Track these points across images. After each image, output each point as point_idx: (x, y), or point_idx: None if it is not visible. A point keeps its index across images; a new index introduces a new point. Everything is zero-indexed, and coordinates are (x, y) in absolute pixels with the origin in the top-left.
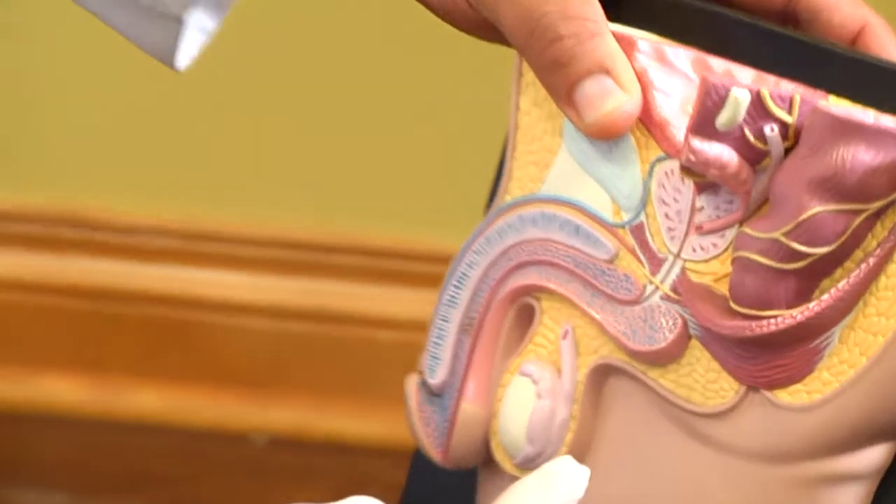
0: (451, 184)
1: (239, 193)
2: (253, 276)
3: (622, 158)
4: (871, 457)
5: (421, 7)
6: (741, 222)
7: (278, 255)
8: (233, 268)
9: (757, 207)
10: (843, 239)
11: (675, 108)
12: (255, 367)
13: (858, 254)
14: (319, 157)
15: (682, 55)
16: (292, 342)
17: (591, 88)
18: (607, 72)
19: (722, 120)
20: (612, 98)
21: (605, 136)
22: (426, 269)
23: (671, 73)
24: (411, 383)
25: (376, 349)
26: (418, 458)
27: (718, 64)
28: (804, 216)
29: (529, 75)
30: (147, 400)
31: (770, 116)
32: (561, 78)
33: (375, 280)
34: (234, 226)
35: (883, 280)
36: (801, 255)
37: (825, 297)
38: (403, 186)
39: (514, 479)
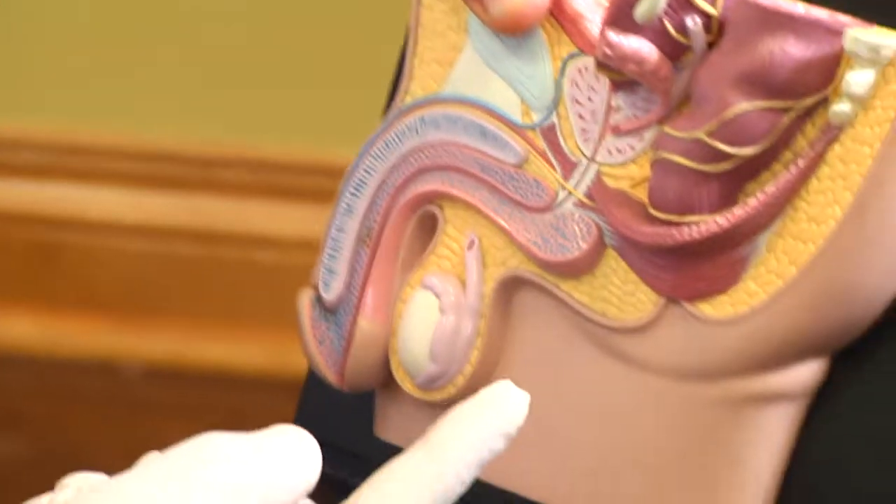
0: (345, 89)
1: (113, 103)
2: (126, 193)
3: (532, 55)
4: (801, 375)
5: None
6: (661, 122)
7: (153, 170)
8: (105, 183)
9: (678, 106)
10: (770, 139)
11: (590, 2)
12: (127, 291)
13: (788, 155)
14: (199, 63)
15: None
16: (169, 264)
17: None
18: None
19: (640, 11)
20: None
21: (513, 31)
22: (315, 183)
23: None
24: (304, 299)
25: (260, 271)
26: (311, 382)
27: None
28: (729, 114)
29: None
30: (11, 329)
31: (692, 8)
32: None
33: (259, 196)
34: (108, 138)
35: (814, 183)
36: (725, 156)
37: (751, 201)
38: (290, 92)
39: (415, 401)
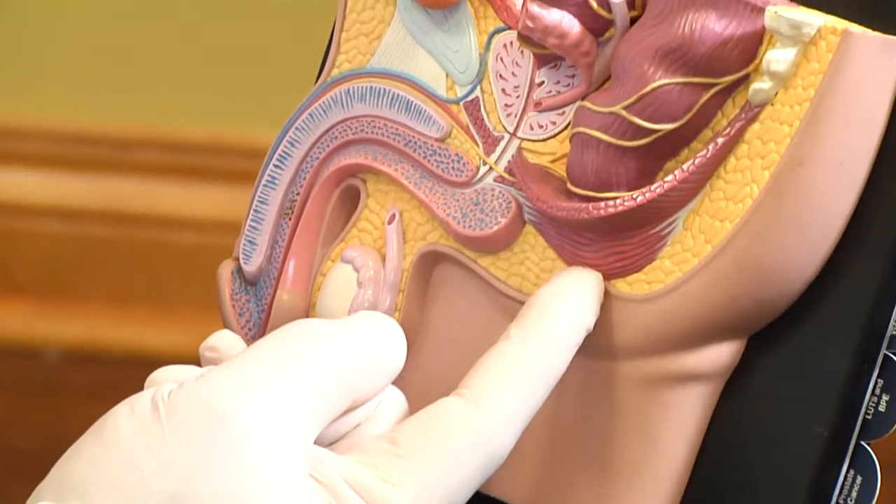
0: (267, 67)
1: (22, 83)
2: (42, 175)
3: (458, 29)
4: (717, 355)
5: None
6: (583, 98)
7: (65, 151)
8: (19, 165)
9: (601, 83)
10: (689, 115)
11: None
12: (45, 274)
13: (707, 133)
14: (113, 40)
15: None
16: (87, 247)
17: None
18: None
19: None
20: None
21: (439, 5)
22: (235, 165)
23: None
24: (225, 271)
25: (179, 253)
26: None
27: None
28: (648, 89)
29: None
30: None
31: None
32: None
33: (178, 177)
34: (17, 119)
35: (732, 161)
36: (643, 132)
37: (669, 178)
38: (209, 70)
39: None
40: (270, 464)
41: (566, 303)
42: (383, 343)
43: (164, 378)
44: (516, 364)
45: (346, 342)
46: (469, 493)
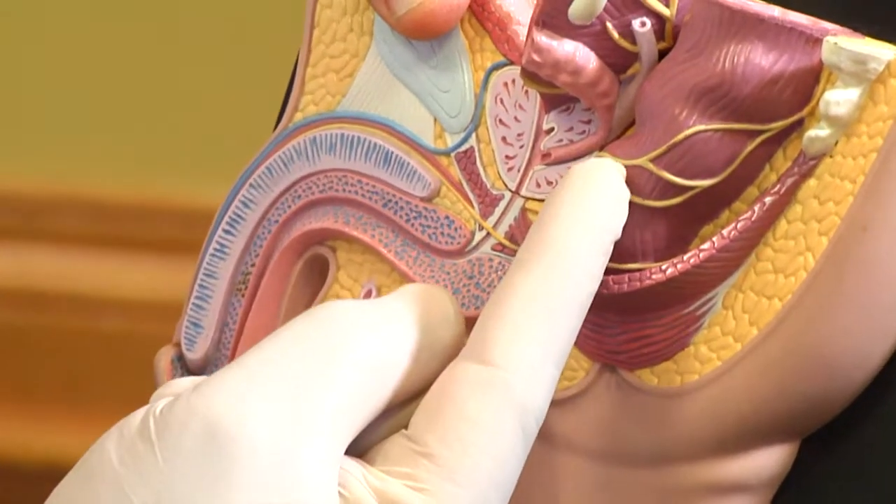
0: (212, 112)
1: None
2: None
3: (448, 64)
4: (763, 462)
5: None
6: (602, 148)
7: None
8: None
9: (622, 130)
10: (731, 169)
11: (521, 0)
12: None
13: (752, 191)
14: (21, 84)
15: None
16: None
17: None
18: None
19: (576, 9)
20: None
21: (424, 35)
22: (170, 233)
23: None
24: (163, 360)
25: (102, 341)
26: None
27: None
28: (680, 137)
29: None
30: None
31: (640, 6)
32: None
33: (100, 248)
34: None
35: (782, 225)
36: (675, 190)
37: (706, 246)
38: (138, 117)
39: None
40: (284, 496)
41: (583, 205)
42: (432, 322)
43: (169, 392)
44: (530, 298)
45: (384, 327)
46: (515, 467)
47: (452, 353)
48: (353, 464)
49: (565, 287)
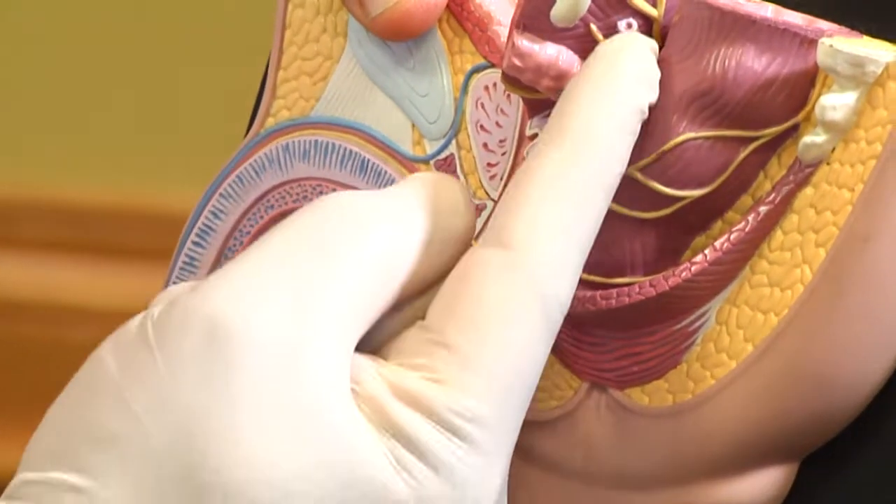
0: (182, 117)
1: None
2: None
3: (426, 67)
4: (760, 485)
5: None
6: None
7: None
8: None
9: None
10: (723, 178)
11: None
12: None
13: (746, 201)
14: None
15: None
16: None
17: None
18: None
19: (559, 11)
20: None
21: (400, 36)
22: (144, 240)
23: None
24: None
25: (76, 352)
26: None
27: None
28: (670, 145)
29: None
30: None
31: (626, 7)
32: None
33: (73, 255)
34: None
35: (778, 237)
36: (664, 200)
37: (698, 258)
38: (108, 121)
39: None
40: (292, 394)
41: (609, 82)
42: (442, 210)
43: (165, 298)
44: (553, 179)
45: (391, 217)
46: (539, 357)
47: (465, 242)
48: (364, 359)
49: (590, 167)
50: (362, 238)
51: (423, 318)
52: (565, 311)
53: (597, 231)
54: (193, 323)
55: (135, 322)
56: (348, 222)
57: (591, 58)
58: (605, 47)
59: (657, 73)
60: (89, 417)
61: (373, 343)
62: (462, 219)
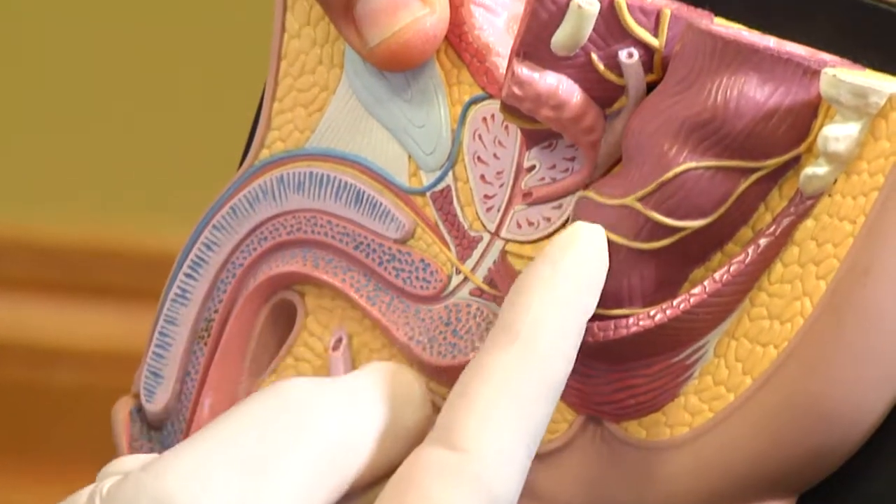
0: (172, 147)
1: None
2: None
3: (423, 98)
4: None
5: None
6: (586, 187)
7: None
8: None
9: (608, 167)
10: (724, 209)
11: (501, 30)
12: None
13: (746, 232)
14: None
15: None
16: None
17: None
18: None
19: (559, 39)
20: (406, 11)
21: (398, 67)
22: (127, 278)
23: None
24: (121, 412)
25: (54, 394)
26: None
27: None
28: (669, 175)
29: None
30: None
31: (628, 36)
32: None
33: (52, 294)
34: None
35: (778, 269)
36: (664, 231)
37: (696, 290)
38: (91, 152)
39: None
40: None
41: (561, 283)
42: (396, 404)
43: (115, 471)
44: (502, 381)
45: (344, 409)
46: None
47: (418, 436)
48: None
49: (540, 370)
50: (315, 426)
51: None
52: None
53: (545, 429)
54: (143, 502)
55: (84, 495)
56: (301, 411)
57: (542, 255)
58: (558, 244)
59: (603, 273)
60: None
61: None
62: (416, 413)
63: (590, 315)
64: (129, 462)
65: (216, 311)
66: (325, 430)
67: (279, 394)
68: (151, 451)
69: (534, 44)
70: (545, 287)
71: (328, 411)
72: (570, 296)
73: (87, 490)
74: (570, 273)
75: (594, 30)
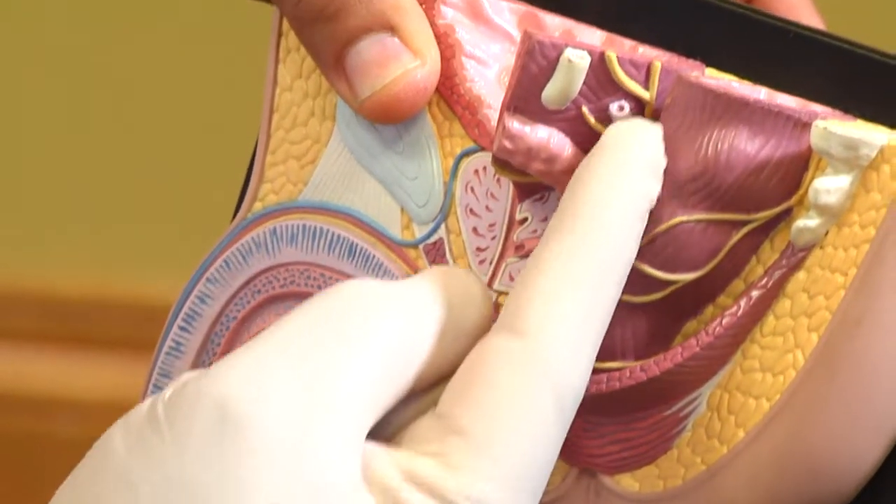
0: (167, 201)
1: None
2: None
3: (415, 151)
4: None
5: None
6: None
7: None
8: None
9: None
10: (715, 262)
11: (492, 82)
12: None
13: (738, 285)
14: None
15: (505, 9)
16: None
17: (368, 51)
18: (392, 28)
19: (550, 93)
20: (397, 63)
21: (389, 119)
22: (124, 329)
23: (489, 34)
24: None
25: (53, 446)
26: None
27: (556, 22)
28: (661, 228)
29: (292, 37)
30: None
31: (618, 90)
32: (327, 36)
33: (50, 346)
34: None
35: (770, 321)
36: (656, 284)
37: (689, 343)
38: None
39: None
40: (302, 477)
41: (617, 168)
42: (457, 301)
43: (177, 382)
44: (565, 265)
45: (405, 307)
46: (553, 445)
47: (480, 334)
48: (377, 446)
49: (601, 253)
50: (375, 326)
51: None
52: (579, 400)
53: (609, 318)
54: (204, 404)
55: (145, 404)
56: (362, 310)
57: (601, 142)
58: (615, 132)
59: (664, 162)
60: (96, 499)
61: (387, 432)
62: (477, 309)
63: (652, 199)
64: (190, 373)
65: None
66: (388, 329)
67: (338, 294)
68: None
69: (525, 97)
70: (605, 171)
71: (389, 310)
72: (633, 179)
73: (148, 399)
74: (631, 156)
75: (585, 83)
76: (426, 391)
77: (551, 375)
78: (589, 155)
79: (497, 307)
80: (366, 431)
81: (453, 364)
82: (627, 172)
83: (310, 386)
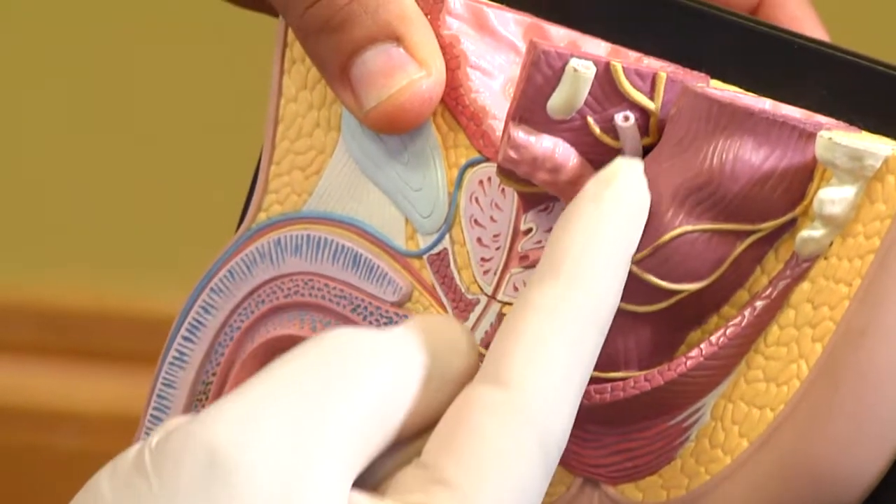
0: (170, 211)
1: None
2: None
3: (420, 161)
4: None
5: None
6: None
7: None
8: None
9: None
10: (720, 272)
11: (497, 93)
12: None
13: (742, 295)
14: None
15: (510, 20)
16: None
17: (373, 62)
18: (397, 39)
19: (555, 103)
20: (403, 73)
21: (394, 130)
22: (127, 342)
23: (494, 45)
24: None
25: (54, 459)
26: None
27: (561, 34)
28: (666, 238)
29: (298, 48)
30: None
31: (624, 100)
32: (332, 46)
33: (51, 359)
34: None
35: (774, 331)
36: (660, 294)
37: (693, 353)
38: (88, 216)
39: None
40: None
41: (602, 216)
42: (442, 350)
43: (163, 429)
44: (548, 315)
45: (391, 355)
46: (537, 494)
47: (465, 381)
48: (362, 496)
49: (585, 302)
50: (364, 375)
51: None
52: (563, 447)
53: (593, 364)
54: (192, 450)
55: (132, 450)
56: (350, 359)
57: (584, 189)
58: (597, 178)
59: (648, 199)
60: None
61: (371, 481)
62: (462, 359)
63: (634, 248)
64: (176, 420)
65: (214, 374)
66: (374, 381)
67: (328, 344)
68: None
69: (530, 107)
70: (588, 222)
71: (376, 359)
72: (614, 230)
73: (136, 445)
74: (613, 207)
75: (590, 93)
76: (411, 440)
77: (535, 426)
78: (573, 202)
79: (500, 319)
80: (352, 480)
81: (437, 412)
82: (610, 220)
83: (298, 433)
